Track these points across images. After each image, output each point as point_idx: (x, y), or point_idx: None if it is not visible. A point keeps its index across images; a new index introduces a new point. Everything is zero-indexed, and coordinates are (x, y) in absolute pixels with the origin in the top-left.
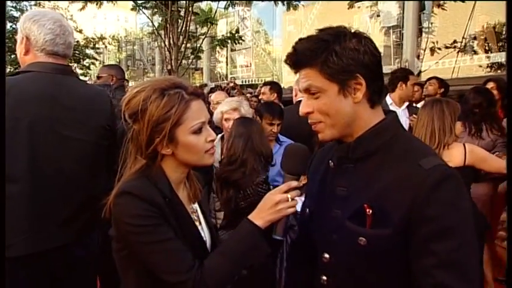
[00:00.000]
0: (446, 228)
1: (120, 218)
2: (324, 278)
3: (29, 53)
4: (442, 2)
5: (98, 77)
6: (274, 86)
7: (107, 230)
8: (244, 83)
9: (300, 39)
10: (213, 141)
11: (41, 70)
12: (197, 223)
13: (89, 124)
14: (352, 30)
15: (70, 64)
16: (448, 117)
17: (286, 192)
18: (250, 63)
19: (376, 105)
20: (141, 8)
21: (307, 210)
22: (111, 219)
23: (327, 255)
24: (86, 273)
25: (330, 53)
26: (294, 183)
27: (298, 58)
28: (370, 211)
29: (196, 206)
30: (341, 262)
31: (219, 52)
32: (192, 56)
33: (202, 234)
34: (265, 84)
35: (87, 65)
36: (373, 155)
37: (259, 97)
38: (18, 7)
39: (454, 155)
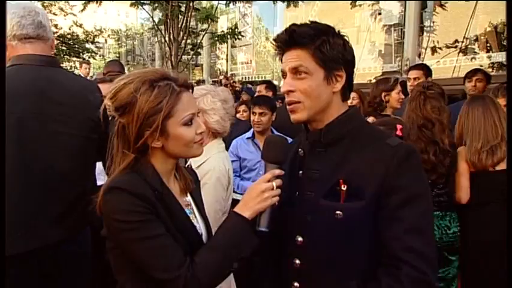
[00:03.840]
0: (415, 195)
1: (109, 214)
2: (297, 261)
3: (7, 48)
4: (443, 1)
5: (104, 74)
6: (271, 85)
7: (99, 230)
8: (244, 80)
9: (294, 24)
10: (202, 133)
11: (26, 63)
12: (192, 216)
13: (78, 118)
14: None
15: (69, 58)
16: (502, 112)
17: (270, 181)
18: (251, 60)
19: (345, 100)
20: (140, 3)
21: (276, 202)
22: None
23: (300, 238)
24: (78, 270)
25: (325, 41)
26: (277, 171)
27: (295, 38)
28: (345, 186)
29: (189, 198)
30: (315, 242)
31: (219, 49)
32: (192, 52)
33: (198, 227)
34: (263, 82)
35: (86, 58)
36: (343, 139)
37: (255, 95)
38: None
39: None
